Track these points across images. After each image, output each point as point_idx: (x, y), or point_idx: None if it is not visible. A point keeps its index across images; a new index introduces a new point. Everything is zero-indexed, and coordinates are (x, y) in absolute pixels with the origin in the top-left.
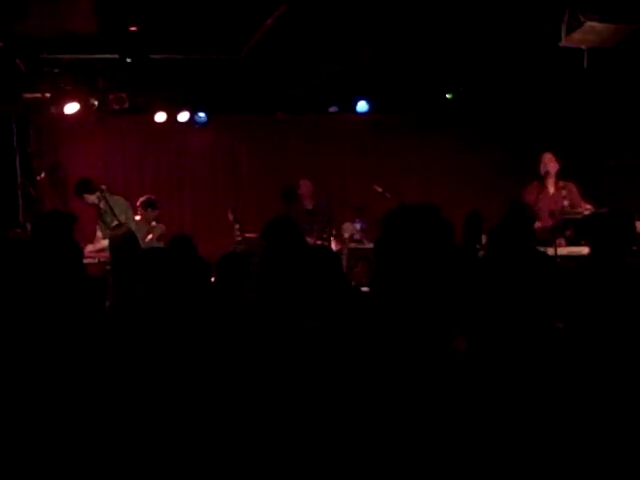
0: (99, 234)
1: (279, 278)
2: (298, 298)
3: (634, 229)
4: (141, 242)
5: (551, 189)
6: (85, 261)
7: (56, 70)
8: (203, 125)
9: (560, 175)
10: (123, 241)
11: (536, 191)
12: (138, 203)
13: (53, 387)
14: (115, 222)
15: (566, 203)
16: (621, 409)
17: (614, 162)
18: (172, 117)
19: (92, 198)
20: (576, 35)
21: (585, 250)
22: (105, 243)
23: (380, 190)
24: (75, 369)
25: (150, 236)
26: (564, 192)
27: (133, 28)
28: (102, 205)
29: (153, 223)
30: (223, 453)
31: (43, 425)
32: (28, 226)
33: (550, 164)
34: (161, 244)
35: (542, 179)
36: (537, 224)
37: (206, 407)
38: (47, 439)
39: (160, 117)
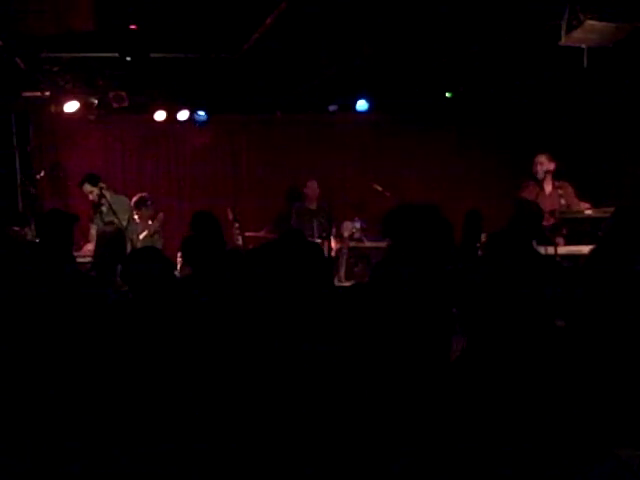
0: (93, 232)
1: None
2: (284, 294)
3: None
4: (137, 240)
5: (548, 189)
6: (84, 260)
7: (56, 68)
8: (203, 124)
9: (555, 175)
10: (110, 239)
11: (534, 191)
12: (131, 204)
13: (51, 385)
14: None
15: (563, 202)
16: (619, 406)
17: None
18: (172, 116)
19: (91, 189)
20: (576, 34)
21: (585, 249)
22: None
23: (380, 189)
24: (73, 367)
25: (145, 232)
26: (560, 191)
27: (133, 27)
28: (103, 202)
29: (150, 222)
30: (219, 451)
31: (41, 421)
32: (32, 223)
33: (548, 165)
34: (158, 240)
35: (537, 179)
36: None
37: (201, 403)
38: (46, 437)
39: (160, 116)
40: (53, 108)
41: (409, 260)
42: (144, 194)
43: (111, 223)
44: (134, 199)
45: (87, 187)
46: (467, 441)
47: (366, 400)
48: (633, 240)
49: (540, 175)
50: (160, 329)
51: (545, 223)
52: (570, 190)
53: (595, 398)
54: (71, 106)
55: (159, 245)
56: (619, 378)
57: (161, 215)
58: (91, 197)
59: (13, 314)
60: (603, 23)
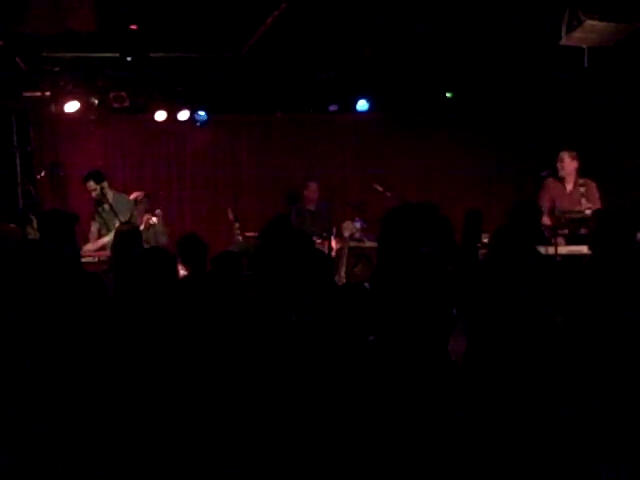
0: (93, 229)
1: (271, 275)
2: (290, 294)
3: (636, 227)
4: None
5: (569, 187)
6: (84, 260)
7: (56, 68)
8: (203, 124)
9: (580, 173)
10: (128, 237)
11: (555, 189)
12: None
13: (52, 385)
14: (117, 221)
15: (584, 201)
16: (619, 403)
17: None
18: (172, 116)
19: (95, 187)
20: (576, 34)
21: (585, 249)
22: (104, 241)
23: (380, 189)
24: (74, 367)
25: (142, 227)
26: (582, 190)
27: (133, 26)
28: (104, 201)
29: (153, 218)
30: (219, 449)
31: (42, 422)
32: (33, 222)
33: (570, 163)
34: (154, 237)
35: (559, 177)
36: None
37: (203, 404)
38: (47, 437)
39: (160, 116)
40: (53, 108)
41: (409, 260)
42: (139, 193)
43: (126, 223)
44: (132, 197)
45: (91, 184)
46: (475, 441)
47: (362, 399)
48: (616, 241)
49: (561, 173)
50: (161, 329)
51: (546, 223)
52: (593, 189)
53: (602, 399)
54: (71, 106)
55: (162, 240)
56: (623, 378)
57: (159, 211)
58: (94, 194)
59: (18, 314)
60: (603, 23)
